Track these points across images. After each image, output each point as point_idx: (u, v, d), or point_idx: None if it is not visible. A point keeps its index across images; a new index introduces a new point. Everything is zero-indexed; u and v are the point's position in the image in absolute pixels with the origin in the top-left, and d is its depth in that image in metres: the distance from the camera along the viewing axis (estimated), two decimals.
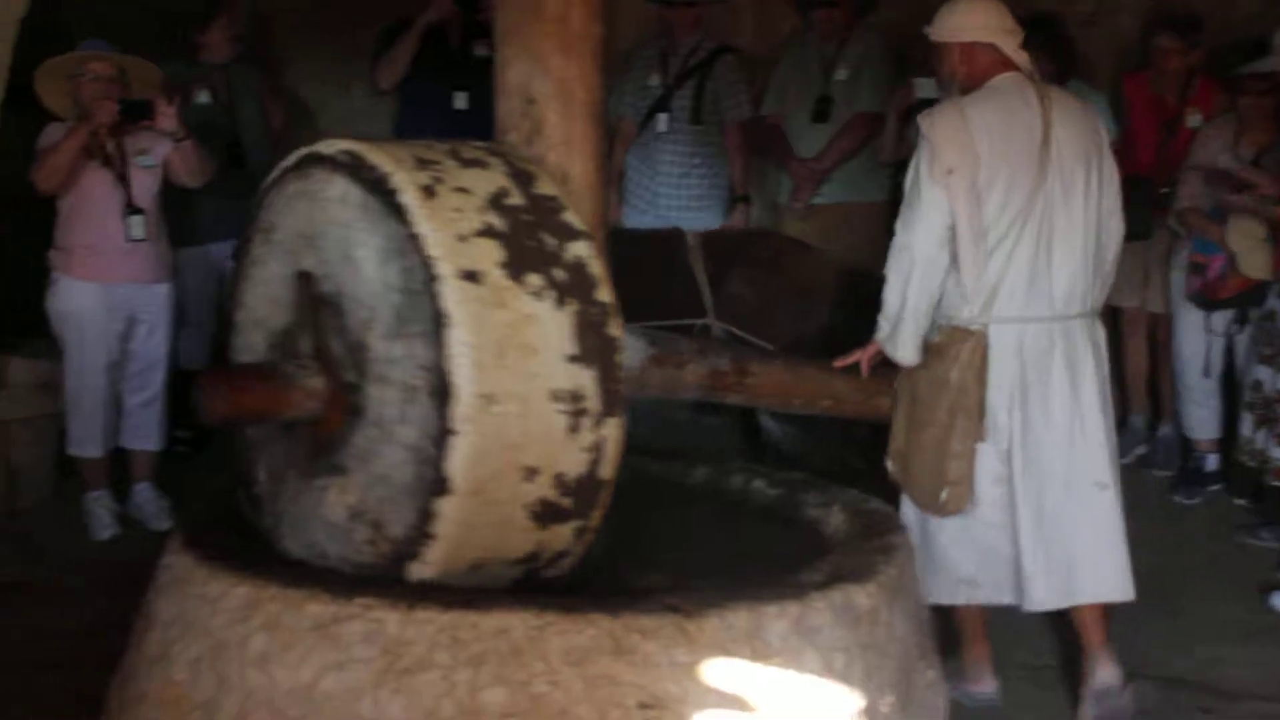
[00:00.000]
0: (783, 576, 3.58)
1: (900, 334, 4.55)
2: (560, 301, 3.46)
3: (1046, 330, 4.57)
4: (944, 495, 4.54)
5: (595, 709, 3.14)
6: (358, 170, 3.52)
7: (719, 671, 3.21)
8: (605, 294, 3.56)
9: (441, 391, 3.33)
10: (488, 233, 3.44)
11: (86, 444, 6.46)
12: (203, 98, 7.10)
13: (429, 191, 3.44)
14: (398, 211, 3.41)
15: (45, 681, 4.84)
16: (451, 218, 3.42)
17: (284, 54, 7.97)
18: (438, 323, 3.33)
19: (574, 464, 3.48)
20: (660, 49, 7.52)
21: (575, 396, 3.45)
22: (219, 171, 6.72)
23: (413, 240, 3.37)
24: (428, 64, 7.36)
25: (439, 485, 3.35)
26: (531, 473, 3.42)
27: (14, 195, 6.22)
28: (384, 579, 3.44)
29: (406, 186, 3.43)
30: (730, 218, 7.48)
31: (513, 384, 3.37)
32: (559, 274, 3.49)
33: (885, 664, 3.55)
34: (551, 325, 3.44)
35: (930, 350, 4.56)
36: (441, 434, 3.33)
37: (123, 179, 6.19)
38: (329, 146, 3.64)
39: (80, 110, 6.16)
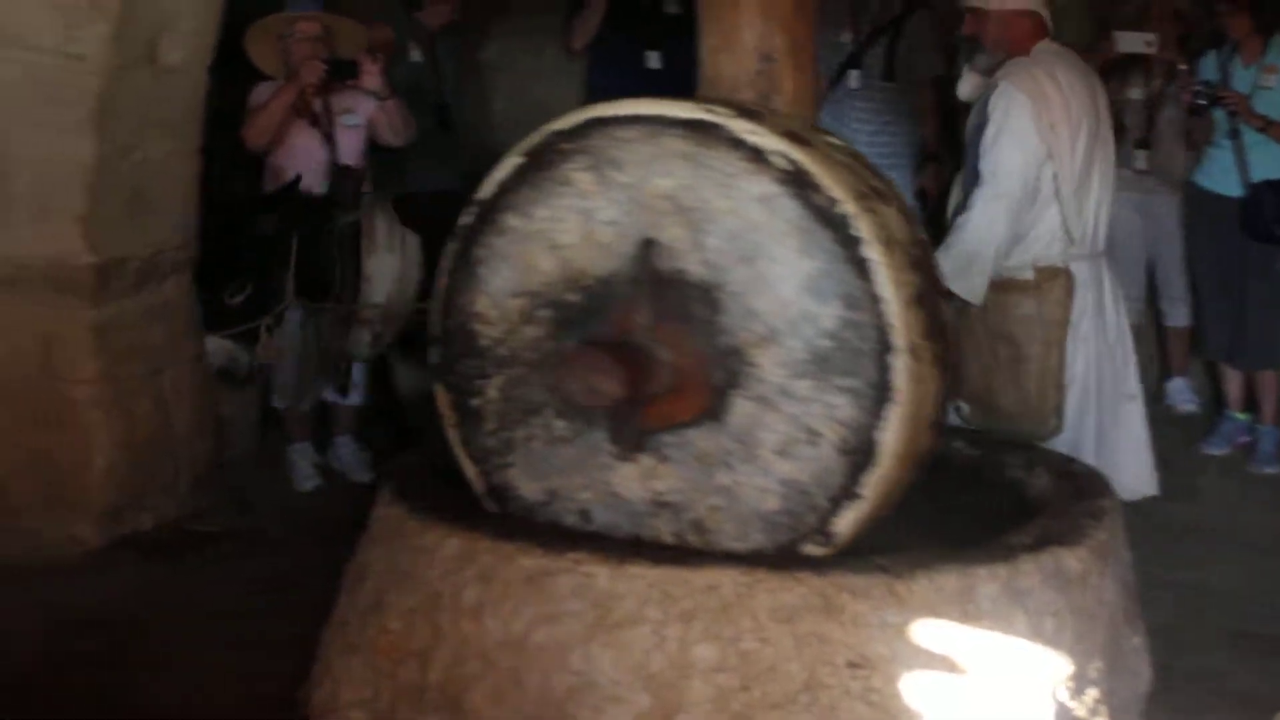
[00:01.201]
0: (991, 538, 3.56)
1: (976, 274, 4.86)
2: (942, 370, 3.51)
3: (1098, 263, 5.19)
4: (1052, 423, 4.94)
5: (804, 666, 3.16)
6: (799, 183, 3.40)
7: (928, 633, 3.21)
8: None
9: (857, 453, 3.37)
10: (918, 299, 3.42)
11: (290, 397, 6.62)
12: (415, 56, 7.21)
13: (888, 246, 3.37)
14: (857, 262, 3.34)
15: (251, 627, 4.97)
16: (902, 280, 3.38)
17: (478, 13, 8.00)
18: (880, 393, 3.35)
19: None
20: (851, 4, 7.44)
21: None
22: (427, 132, 6.86)
23: (873, 302, 3.33)
24: (619, 23, 7.38)
25: (824, 538, 3.42)
26: None
27: (227, 151, 6.36)
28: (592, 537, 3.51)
29: (870, 236, 3.35)
30: (921, 177, 7.40)
31: (909, 448, 3.43)
32: (941, 342, 3.51)
33: (1094, 628, 3.51)
34: (933, 392, 3.48)
35: (1016, 289, 4.97)
36: (841, 494, 3.40)
37: (329, 137, 6.29)
38: (758, 136, 3.46)
39: (289, 69, 6.28)
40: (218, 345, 5.80)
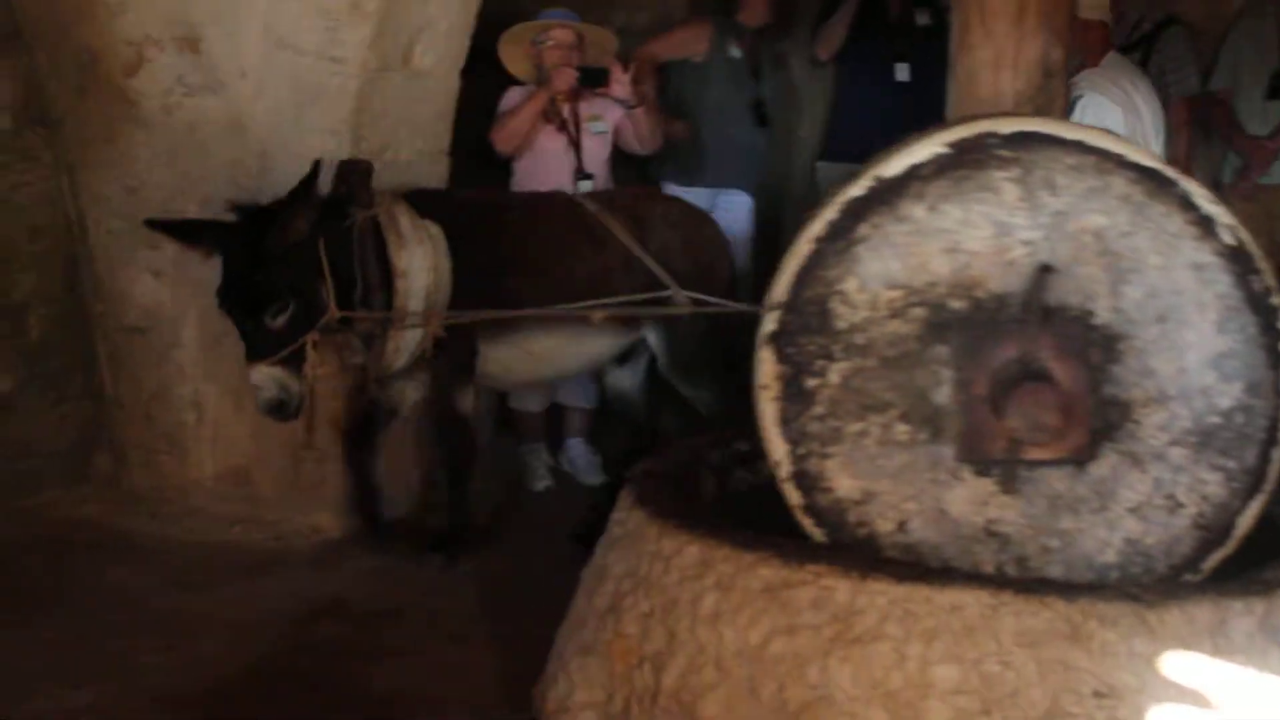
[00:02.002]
0: (1246, 572, 3.44)
1: None
2: None
3: None
4: None
5: (1047, 693, 3.08)
6: (1240, 261, 3.36)
7: (1179, 665, 3.10)
8: None
9: (1212, 532, 3.41)
10: None
11: (527, 399, 6.70)
12: (734, 52, 7.28)
13: None
14: (1273, 352, 3.34)
15: (479, 623, 5.09)
16: None
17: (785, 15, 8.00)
18: (1254, 481, 3.37)
19: None
20: None
21: None
22: (742, 129, 7.10)
23: (1276, 394, 3.34)
24: (867, 33, 7.33)
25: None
26: None
27: (475, 153, 6.46)
28: (836, 549, 3.47)
29: None
30: None
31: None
32: None
33: None
34: None
35: None
36: (1184, 566, 3.43)
37: (575, 144, 6.36)
38: (1212, 205, 3.42)
39: (541, 75, 6.36)
40: (265, 376, 4.98)
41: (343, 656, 4.71)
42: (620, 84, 6.29)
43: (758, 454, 4.37)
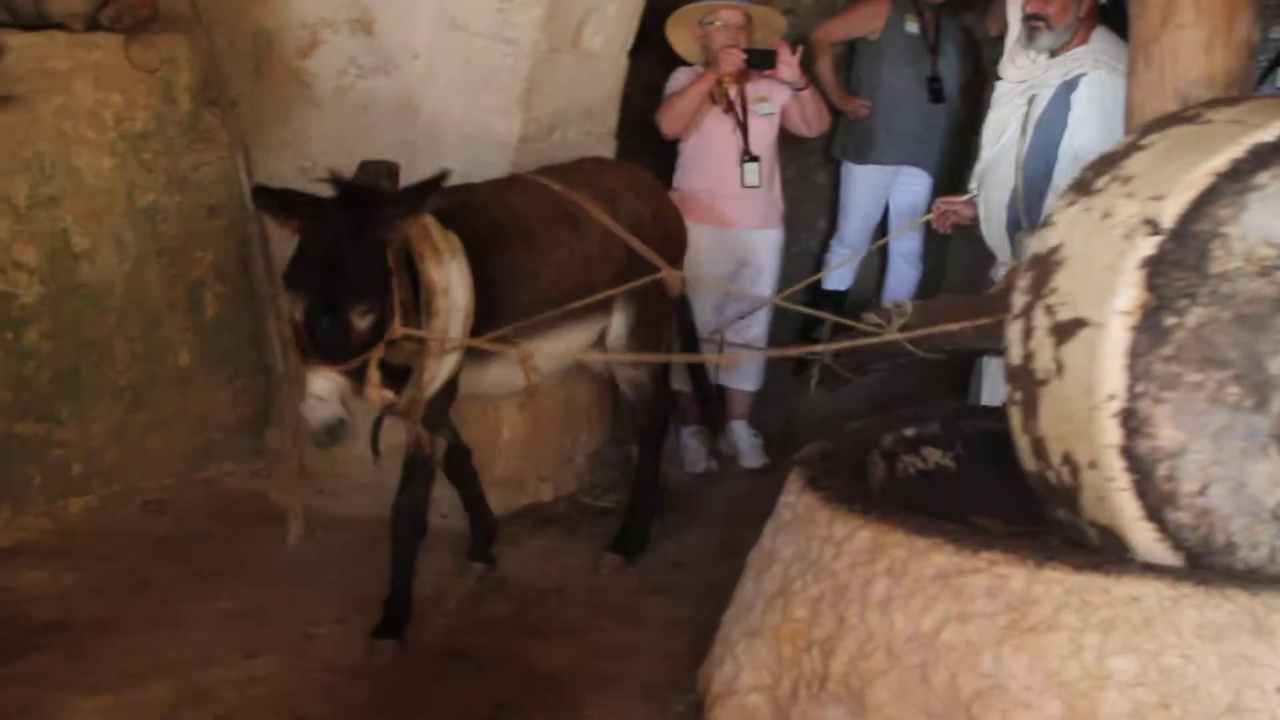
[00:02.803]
0: None
1: None
2: None
3: None
4: None
5: (1229, 688, 3.02)
6: None
7: None
8: None
9: None
10: None
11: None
12: (911, 27, 7.27)
13: None
14: None
15: (642, 602, 5.11)
16: None
17: None
18: None
19: None
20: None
21: None
22: (917, 105, 7.12)
23: None
24: None
25: None
26: None
27: (641, 132, 6.47)
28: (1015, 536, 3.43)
29: None
30: None
31: None
32: None
33: None
34: None
35: None
36: None
37: (742, 126, 6.33)
38: None
39: (708, 56, 6.35)
40: (331, 386, 4.13)
41: (511, 634, 4.76)
42: (789, 65, 6.25)
43: (926, 439, 4.39)
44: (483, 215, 4.86)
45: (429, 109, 5.70)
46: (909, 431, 4.39)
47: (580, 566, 5.39)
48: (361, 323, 4.17)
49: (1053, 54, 5.19)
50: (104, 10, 5.67)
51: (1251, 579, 3.16)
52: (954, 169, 7.54)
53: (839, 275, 7.47)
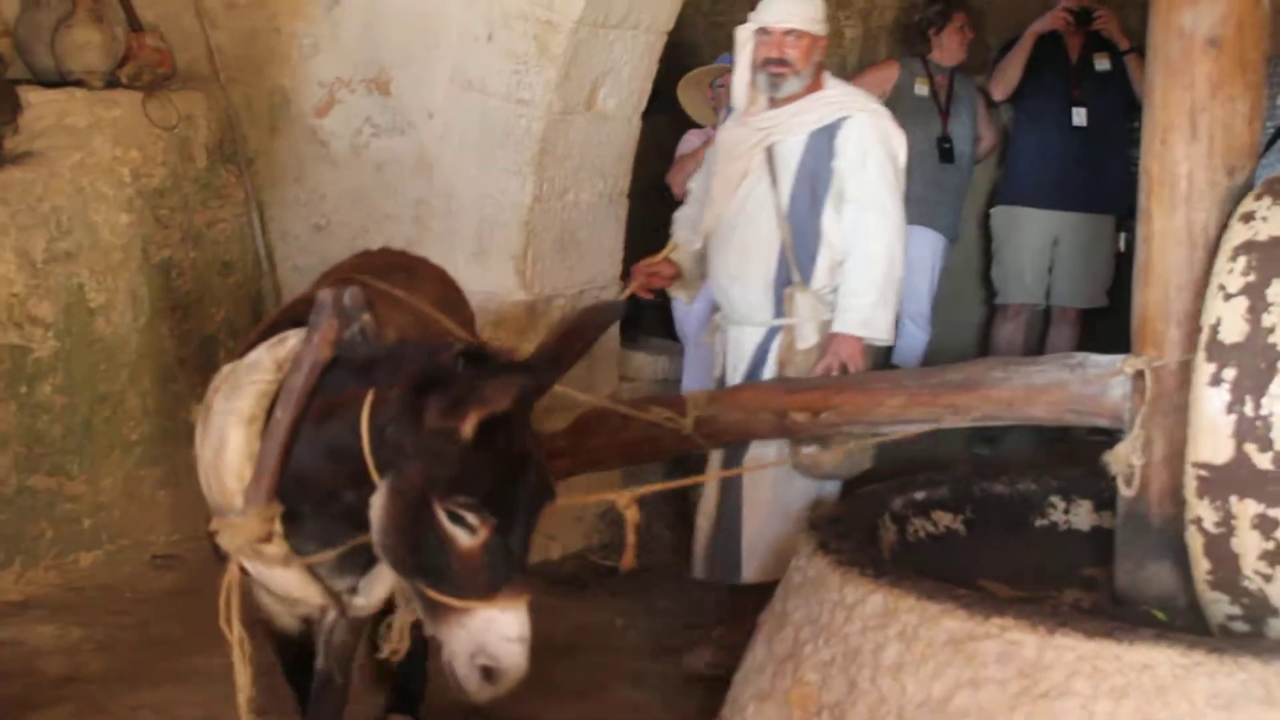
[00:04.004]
0: None
1: None
2: None
3: None
4: None
5: None
6: None
7: None
8: None
9: None
10: None
11: None
12: (921, 90, 7.31)
13: None
14: None
15: (650, 662, 5.13)
16: None
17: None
18: None
19: None
20: None
21: None
22: (927, 166, 7.05)
23: None
24: (1045, 77, 7.27)
25: None
26: None
27: (651, 194, 6.51)
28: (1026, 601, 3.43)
29: None
30: None
31: None
32: None
33: None
34: None
35: None
36: None
37: None
38: None
39: (719, 119, 6.37)
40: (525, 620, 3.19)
41: (521, 694, 4.73)
42: None
43: (937, 502, 4.40)
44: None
45: (444, 168, 5.76)
46: (919, 495, 4.39)
47: (590, 625, 5.38)
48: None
49: (783, 102, 4.96)
50: (123, 67, 5.74)
51: (1263, 648, 3.17)
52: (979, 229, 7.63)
53: None
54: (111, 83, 5.70)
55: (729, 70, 6.32)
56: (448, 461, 2.95)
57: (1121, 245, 7.22)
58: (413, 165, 5.80)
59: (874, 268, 4.84)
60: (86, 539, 5.60)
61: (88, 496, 5.59)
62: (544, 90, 5.54)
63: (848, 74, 7.53)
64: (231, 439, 3.32)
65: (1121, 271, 7.00)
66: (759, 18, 4.92)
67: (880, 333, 4.88)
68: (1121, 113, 7.17)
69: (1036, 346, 7.40)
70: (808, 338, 4.89)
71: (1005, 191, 7.50)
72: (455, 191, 5.73)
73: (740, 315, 5.05)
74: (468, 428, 2.93)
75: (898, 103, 7.27)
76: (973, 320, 8.00)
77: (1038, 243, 7.31)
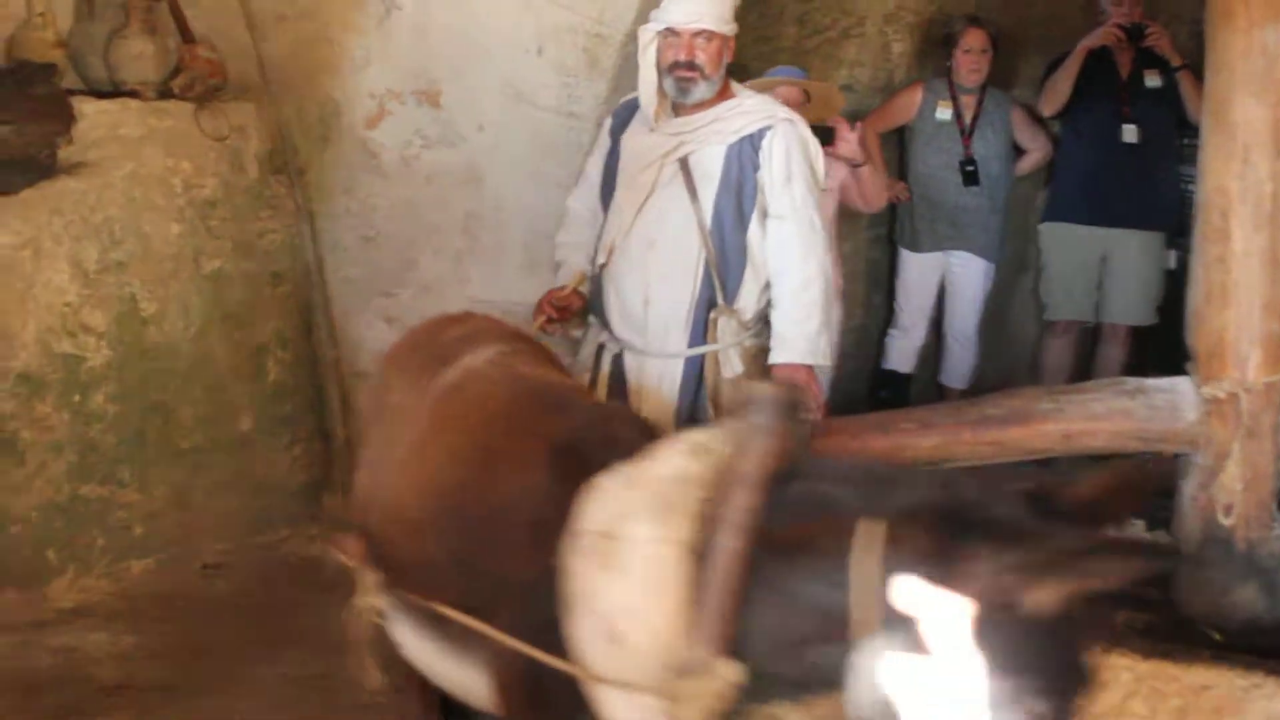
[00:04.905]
0: None
1: None
2: None
3: None
4: None
5: None
6: None
7: None
8: None
9: None
10: None
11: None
12: (943, 114, 7.28)
13: None
14: None
15: None
16: None
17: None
18: None
19: None
20: None
21: None
22: (951, 189, 7.08)
23: None
24: (1094, 93, 7.23)
25: None
26: None
27: None
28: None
29: None
30: None
31: None
32: None
33: None
34: None
35: None
36: None
37: None
38: None
39: None
40: None
41: None
42: (846, 142, 6.28)
43: None
44: None
45: (493, 181, 5.78)
46: None
47: None
48: None
49: (693, 109, 4.66)
50: (175, 78, 5.77)
51: None
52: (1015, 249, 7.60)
53: (900, 358, 7.49)
54: (164, 93, 5.73)
55: (776, 84, 6.34)
56: (1001, 635, 2.35)
57: (1172, 262, 7.19)
58: (462, 177, 5.82)
59: (812, 289, 4.57)
60: (138, 547, 5.63)
61: (140, 505, 5.62)
62: (594, 103, 5.56)
63: (894, 88, 7.54)
64: (672, 576, 2.65)
65: (1171, 289, 6.97)
66: (665, 16, 4.57)
67: (825, 358, 4.60)
68: (1172, 129, 7.14)
69: (1085, 363, 7.37)
70: (734, 366, 4.60)
71: (1053, 207, 7.45)
72: (505, 204, 5.75)
73: (645, 344, 4.64)
74: (1049, 600, 2.33)
75: (920, 126, 7.25)
76: (1027, 337, 7.97)
77: (1086, 259, 7.26)
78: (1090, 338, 7.53)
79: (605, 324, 4.74)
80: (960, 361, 7.52)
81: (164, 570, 5.67)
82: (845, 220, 6.83)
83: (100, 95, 5.61)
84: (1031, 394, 4.27)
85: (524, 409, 3.29)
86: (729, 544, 2.53)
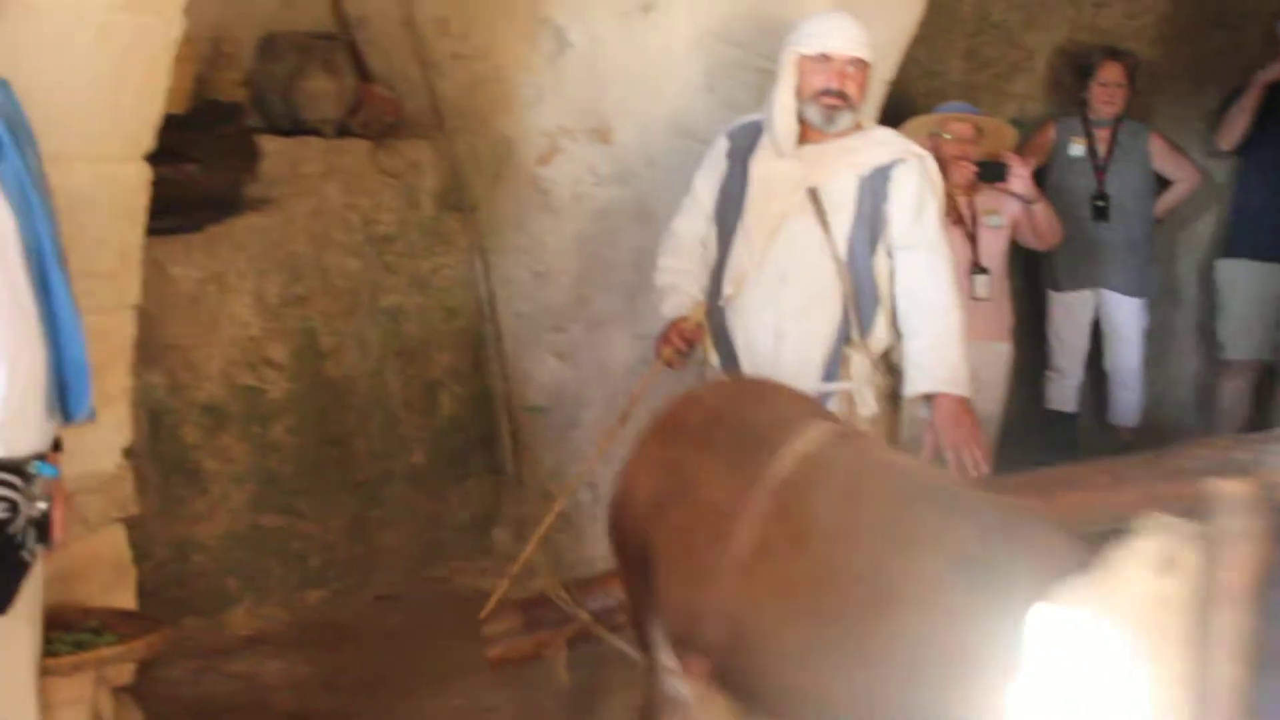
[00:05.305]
0: None
1: None
2: None
3: None
4: None
5: None
6: None
7: None
8: None
9: None
10: None
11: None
12: (1076, 150, 7.20)
13: None
14: None
15: None
16: None
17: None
18: None
19: None
20: None
21: None
22: (1081, 226, 6.95)
23: None
24: (1273, 127, 7.10)
25: None
26: None
27: None
28: None
29: None
30: None
31: None
32: None
33: None
34: None
35: None
36: None
37: (971, 238, 6.30)
38: None
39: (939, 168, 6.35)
40: None
41: None
42: (1020, 179, 6.23)
43: None
44: None
45: (663, 217, 5.78)
46: None
47: None
48: None
49: (830, 137, 4.58)
50: (354, 116, 5.89)
51: None
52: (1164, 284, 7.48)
53: (1061, 398, 7.35)
54: (343, 131, 5.87)
55: (948, 119, 6.32)
56: None
57: None
58: (633, 213, 5.85)
59: (951, 316, 4.48)
60: (314, 577, 5.73)
61: (316, 535, 5.72)
62: None
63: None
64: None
65: None
66: (819, 43, 4.51)
67: (968, 389, 4.46)
68: None
69: (1263, 404, 7.22)
70: (870, 405, 4.48)
71: (1230, 244, 7.32)
72: None
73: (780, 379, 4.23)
74: None
75: (1053, 163, 7.13)
76: (1187, 375, 7.82)
77: (1266, 296, 7.11)
78: (1268, 377, 7.37)
79: (729, 359, 4.62)
80: (1127, 400, 7.39)
81: (338, 600, 5.77)
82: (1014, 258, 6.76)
83: (282, 133, 5.75)
84: (1223, 443, 4.12)
85: (907, 513, 2.93)
86: (1227, 673, 2.30)
